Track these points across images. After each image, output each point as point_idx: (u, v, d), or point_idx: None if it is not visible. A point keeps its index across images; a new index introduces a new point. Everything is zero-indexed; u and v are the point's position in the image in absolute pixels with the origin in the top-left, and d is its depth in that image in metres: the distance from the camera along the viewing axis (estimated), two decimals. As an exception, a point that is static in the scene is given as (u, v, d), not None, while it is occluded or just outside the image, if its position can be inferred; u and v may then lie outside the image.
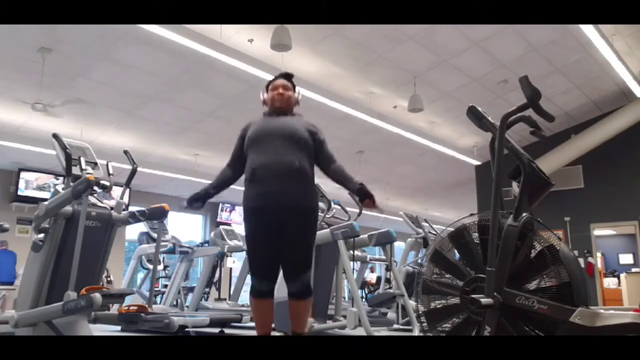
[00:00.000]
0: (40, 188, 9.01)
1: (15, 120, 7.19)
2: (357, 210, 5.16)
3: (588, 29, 5.66)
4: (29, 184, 9.00)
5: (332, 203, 4.76)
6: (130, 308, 3.32)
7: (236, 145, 2.56)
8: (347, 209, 5.19)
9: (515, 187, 2.56)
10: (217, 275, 6.94)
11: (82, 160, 3.31)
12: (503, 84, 7.27)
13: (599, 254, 10.08)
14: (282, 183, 2.32)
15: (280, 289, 2.45)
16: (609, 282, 11.18)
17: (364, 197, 2.39)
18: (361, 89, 7.37)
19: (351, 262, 4.38)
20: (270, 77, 6.52)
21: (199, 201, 2.51)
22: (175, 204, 4.84)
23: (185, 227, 11.64)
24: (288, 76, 2.61)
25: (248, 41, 5.87)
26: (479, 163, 10.12)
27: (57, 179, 8.98)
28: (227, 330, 4.84)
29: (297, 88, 2.61)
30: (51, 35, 5.40)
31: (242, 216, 2.48)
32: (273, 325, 2.56)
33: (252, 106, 7.48)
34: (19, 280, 7.20)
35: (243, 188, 2.46)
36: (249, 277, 7.57)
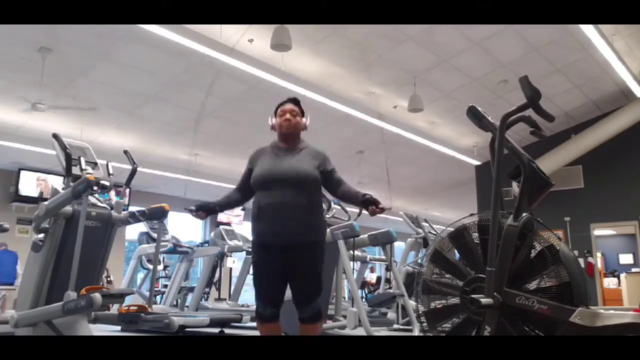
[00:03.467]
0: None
1: (15, 120, 7.19)
2: (357, 210, 5.17)
3: (588, 29, 5.66)
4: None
5: (332, 203, 4.76)
6: (130, 308, 3.32)
7: (244, 173, 2.55)
8: (347, 209, 5.20)
9: (515, 187, 2.56)
10: (217, 275, 6.94)
11: (82, 160, 3.31)
12: (503, 84, 7.27)
13: (599, 254, 10.08)
14: (289, 220, 2.32)
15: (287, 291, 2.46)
16: (609, 282, 11.18)
17: (367, 205, 2.37)
18: (361, 89, 7.37)
19: (351, 262, 4.38)
20: (270, 77, 6.51)
21: (205, 211, 2.52)
22: (175, 204, 4.84)
23: (185, 227, 11.64)
24: (296, 101, 2.58)
25: (248, 41, 5.87)
26: (479, 163, 10.11)
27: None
28: (227, 330, 4.84)
29: (305, 112, 2.58)
30: (51, 35, 5.39)
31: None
32: None
33: (252, 106, 7.53)
34: (19, 280, 7.20)
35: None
36: (249, 277, 7.60)
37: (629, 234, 10.76)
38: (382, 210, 2.32)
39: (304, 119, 2.55)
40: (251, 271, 2.55)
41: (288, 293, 2.40)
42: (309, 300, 2.37)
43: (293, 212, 2.32)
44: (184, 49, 5.42)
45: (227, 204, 2.59)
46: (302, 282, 2.37)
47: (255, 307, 2.46)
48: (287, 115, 2.49)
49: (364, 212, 2.47)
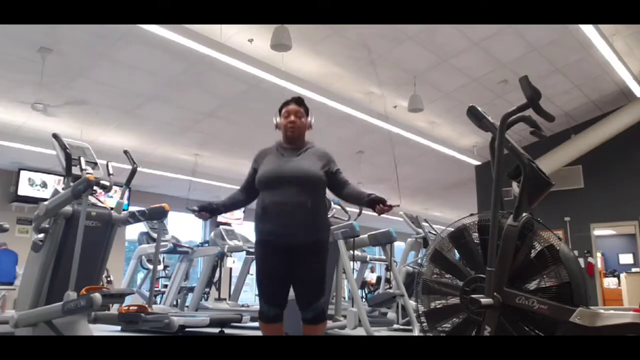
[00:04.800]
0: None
1: (15, 120, 7.19)
2: (357, 210, 5.17)
3: (588, 29, 5.66)
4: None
5: (332, 203, 4.76)
6: (130, 308, 3.32)
7: (249, 173, 2.54)
8: (347, 209, 5.20)
9: (515, 187, 2.56)
10: (217, 275, 6.94)
11: (82, 160, 3.31)
12: (503, 84, 7.26)
13: (599, 254, 10.07)
14: (293, 221, 2.31)
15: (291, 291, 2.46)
16: (609, 282, 11.18)
17: (374, 204, 2.36)
18: (361, 89, 7.37)
19: (351, 262, 4.38)
20: (270, 77, 6.50)
21: (209, 212, 2.51)
22: (175, 204, 4.84)
23: (185, 227, 11.64)
24: (300, 101, 2.55)
25: (248, 41, 5.87)
26: (479, 163, 10.11)
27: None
28: (227, 330, 4.84)
29: (309, 112, 2.57)
30: (51, 35, 5.39)
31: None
32: None
33: (252, 106, 7.52)
34: (19, 280, 7.20)
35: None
36: (249, 277, 7.61)
37: (629, 234, 10.75)
38: (390, 207, 2.31)
39: (308, 119, 2.55)
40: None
41: (291, 293, 2.40)
42: (312, 300, 2.37)
43: (298, 211, 2.31)
44: (184, 49, 5.42)
45: (231, 204, 2.58)
46: (306, 282, 2.36)
47: (258, 307, 2.45)
48: (292, 117, 2.48)
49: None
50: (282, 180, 2.36)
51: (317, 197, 2.40)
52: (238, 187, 2.60)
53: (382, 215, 2.41)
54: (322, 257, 2.41)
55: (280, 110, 2.54)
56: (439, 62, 6.74)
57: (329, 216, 4.65)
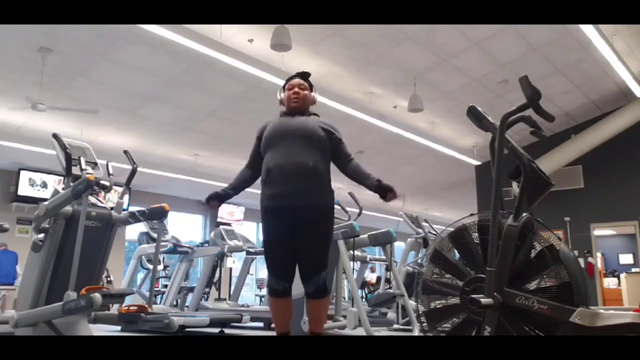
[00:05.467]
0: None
1: (15, 120, 7.19)
2: (357, 210, 5.16)
3: (588, 29, 5.66)
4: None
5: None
6: (130, 308, 3.32)
7: (254, 146, 2.56)
8: (347, 209, 5.19)
9: (515, 187, 2.56)
10: (217, 275, 6.93)
11: (82, 160, 3.30)
12: (503, 84, 7.27)
13: (599, 254, 10.07)
14: (296, 183, 2.32)
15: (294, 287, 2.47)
16: (609, 282, 11.17)
17: (385, 192, 2.38)
18: (361, 89, 7.37)
19: (351, 262, 4.38)
20: (270, 77, 6.51)
21: (217, 199, 2.52)
22: (175, 204, 4.84)
23: (185, 227, 11.65)
24: (305, 75, 2.60)
25: (248, 41, 5.87)
26: (479, 163, 10.12)
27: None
28: (227, 330, 4.84)
29: (313, 87, 2.61)
30: (51, 35, 5.39)
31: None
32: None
33: (252, 106, 7.53)
34: (19, 280, 7.20)
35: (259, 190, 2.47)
36: (249, 277, 7.60)
37: (629, 234, 10.76)
38: (396, 196, 2.34)
39: (312, 93, 2.56)
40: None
41: (297, 291, 2.41)
42: (315, 270, 2.37)
43: (301, 173, 2.32)
44: (184, 49, 5.42)
45: (240, 184, 2.59)
46: (308, 250, 2.37)
47: (267, 282, 2.46)
48: (296, 89, 2.52)
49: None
50: (285, 136, 2.39)
51: (319, 159, 2.39)
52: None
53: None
54: (325, 225, 2.42)
55: (284, 87, 2.56)
56: (439, 62, 6.75)
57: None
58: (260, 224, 2.48)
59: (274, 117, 2.59)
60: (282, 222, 2.36)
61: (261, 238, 2.52)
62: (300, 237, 2.35)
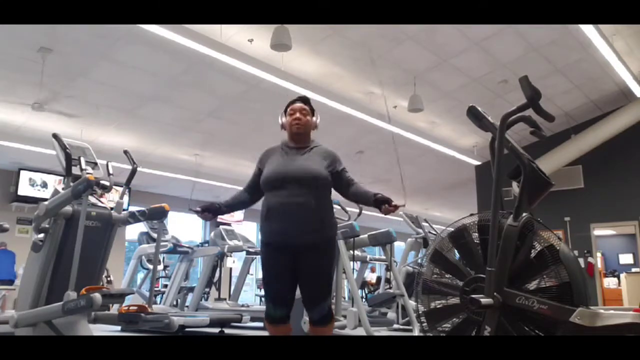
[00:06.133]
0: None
1: (15, 120, 7.19)
2: (357, 210, 5.16)
3: (588, 29, 5.66)
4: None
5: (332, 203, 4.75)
6: (130, 308, 3.32)
7: (253, 174, 2.53)
8: (347, 209, 5.20)
9: (515, 187, 2.55)
10: (217, 275, 6.94)
11: (82, 160, 3.30)
12: (503, 84, 7.26)
13: (599, 254, 10.07)
14: (297, 220, 2.30)
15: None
16: (609, 282, 11.17)
17: (380, 204, 2.35)
18: (361, 89, 7.37)
19: (351, 262, 4.38)
20: (270, 77, 6.50)
21: (211, 212, 2.49)
22: (175, 204, 4.84)
23: (185, 227, 11.64)
24: (306, 100, 2.55)
25: (248, 41, 5.87)
26: (479, 163, 10.11)
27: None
28: (227, 330, 4.84)
29: (315, 112, 2.56)
30: (51, 35, 5.39)
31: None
32: None
33: (252, 106, 7.52)
34: (19, 280, 7.20)
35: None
36: (249, 277, 7.60)
37: (629, 234, 10.75)
38: (396, 208, 2.30)
39: (314, 118, 2.54)
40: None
41: (297, 293, 2.40)
42: (318, 301, 2.35)
43: (303, 211, 2.30)
44: (184, 49, 5.42)
45: (235, 204, 2.57)
46: (312, 282, 2.35)
47: (265, 308, 2.43)
48: (298, 115, 2.47)
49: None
50: (286, 180, 2.35)
51: (322, 197, 2.38)
52: (238, 187, 2.59)
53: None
54: (327, 257, 2.40)
55: (285, 110, 2.54)
56: (439, 62, 6.74)
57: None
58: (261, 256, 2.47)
59: (275, 146, 2.54)
60: (283, 256, 2.33)
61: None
62: (303, 270, 2.33)
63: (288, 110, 2.52)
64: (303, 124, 2.47)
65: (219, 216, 2.56)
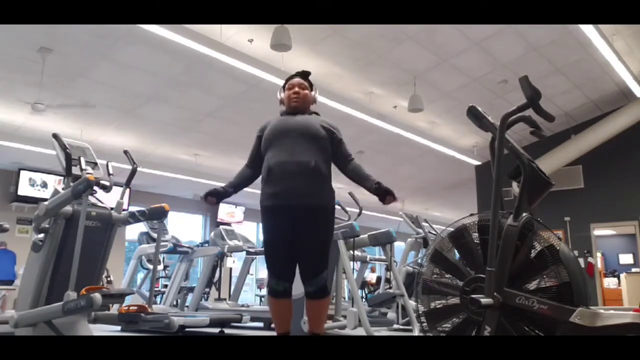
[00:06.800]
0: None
1: (15, 120, 7.19)
2: (357, 210, 5.16)
3: (588, 29, 5.66)
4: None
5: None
6: (130, 308, 3.32)
7: (254, 145, 2.55)
8: (347, 209, 5.20)
9: (515, 187, 2.56)
10: (217, 275, 6.94)
11: (82, 160, 3.30)
12: (503, 84, 7.27)
13: (599, 254, 10.07)
14: (297, 182, 2.31)
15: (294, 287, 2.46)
16: (609, 282, 11.17)
17: (384, 195, 2.37)
18: (361, 89, 7.37)
19: (351, 262, 4.38)
20: (270, 77, 6.50)
21: (216, 197, 2.50)
22: (175, 204, 4.84)
23: (185, 227, 11.65)
24: (305, 74, 2.59)
25: (248, 41, 5.87)
26: (479, 163, 10.12)
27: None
28: (227, 330, 4.84)
29: (314, 86, 2.60)
30: (51, 35, 5.39)
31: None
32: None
33: (252, 106, 7.52)
34: (19, 280, 7.20)
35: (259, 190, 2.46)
36: (249, 277, 7.60)
37: (629, 234, 10.76)
38: (396, 199, 2.34)
39: (312, 92, 2.56)
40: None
41: (298, 290, 2.41)
42: (316, 270, 2.36)
43: (302, 172, 2.31)
44: (183, 49, 5.42)
45: (240, 181, 2.57)
46: (308, 251, 2.36)
47: (267, 282, 2.45)
48: (296, 88, 2.51)
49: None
50: (287, 132, 2.38)
51: (320, 158, 2.38)
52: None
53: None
54: (326, 225, 2.41)
55: (284, 86, 2.56)
56: (439, 62, 6.75)
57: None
58: (260, 224, 2.48)
59: (274, 117, 2.58)
60: (282, 221, 2.35)
61: (261, 238, 2.52)
62: (301, 237, 2.34)
63: (287, 85, 2.55)
64: (302, 98, 2.51)
65: (227, 198, 2.56)
